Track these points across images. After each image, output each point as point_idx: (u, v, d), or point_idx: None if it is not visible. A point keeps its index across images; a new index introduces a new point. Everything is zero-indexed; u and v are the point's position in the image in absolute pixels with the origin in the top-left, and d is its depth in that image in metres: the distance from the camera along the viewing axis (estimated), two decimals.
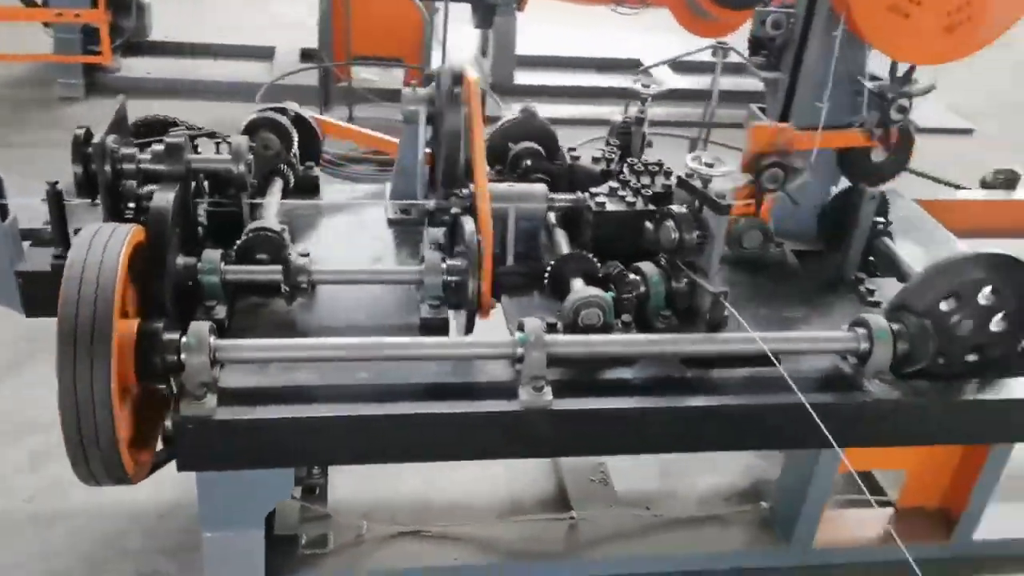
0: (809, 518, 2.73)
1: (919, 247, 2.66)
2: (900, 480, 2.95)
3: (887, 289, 2.49)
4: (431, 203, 2.48)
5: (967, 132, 6.14)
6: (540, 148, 2.77)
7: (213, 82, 5.70)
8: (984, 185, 3.31)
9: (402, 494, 2.90)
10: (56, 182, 2.26)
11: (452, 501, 2.90)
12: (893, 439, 2.27)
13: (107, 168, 2.14)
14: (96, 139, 2.12)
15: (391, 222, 2.69)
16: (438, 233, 2.44)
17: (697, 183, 2.19)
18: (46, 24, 5.52)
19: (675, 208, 2.19)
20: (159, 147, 2.19)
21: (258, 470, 2.09)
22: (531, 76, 6.24)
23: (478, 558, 2.66)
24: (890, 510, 2.96)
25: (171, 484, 2.84)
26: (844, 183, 2.73)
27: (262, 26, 7.04)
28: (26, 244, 2.41)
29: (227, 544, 2.29)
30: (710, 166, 2.17)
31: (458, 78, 2.44)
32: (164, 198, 2.05)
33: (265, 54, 6.16)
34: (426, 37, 5.68)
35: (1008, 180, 3.25)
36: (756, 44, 2.71)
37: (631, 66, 6.47)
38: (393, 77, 6.01)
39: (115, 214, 2.19)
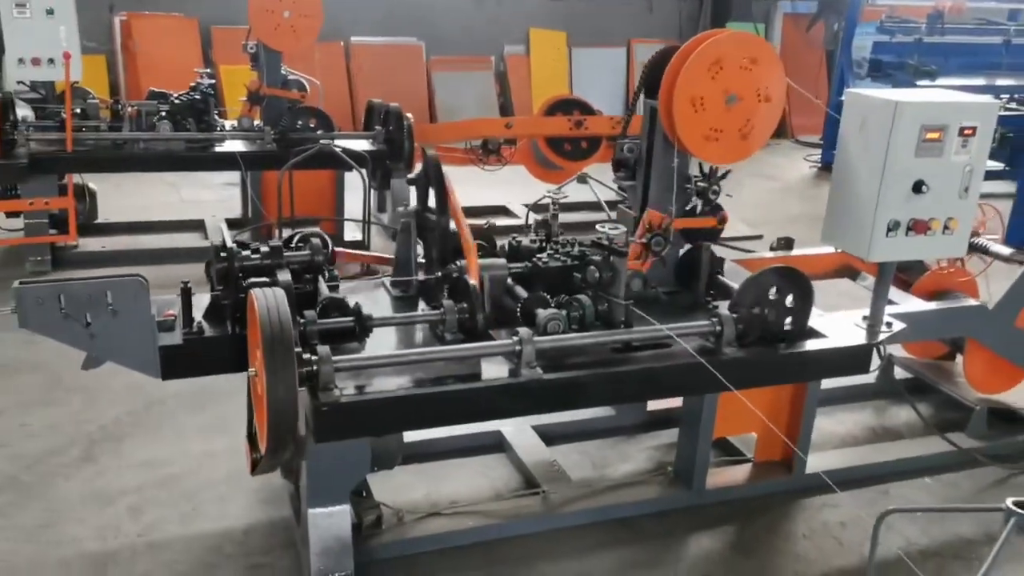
0: (701, 468, 4.02)
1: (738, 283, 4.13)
2: (752, 443, 4.35)
3: (724, 308, 3.91)
4: (433, 277, 3.75)
5: (758, 237, 7.98)
6: (484, 242, 4.12)
7: (159, 249, 6.76)
8: (772, 249, 4.92)
9: (418, 496, 3.98)
10: (187, 282, 3.39)
11: (455, 496, 4.01)
12: (745, 383, 3.59)
13: (236, 265, 3.32)
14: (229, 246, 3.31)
15: (395, 299, 3.92)
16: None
17: (605, 241, 3.57)
18: (7, 214, 6.49)
19: (595, 258, 3.56)
20: (265, 248, 3.39)
21: (347, 446, 3.18)
22: None
23: (487, 522, 3.77)
24: (750, 464, 4.33)
25: (238, 513, 3.85)
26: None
27: (178, 206, 8.23)
28: None
29: (326, 517, 3.31)
30: (613, 230, 3.56)
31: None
32: (286, 276, 3.24)
33: (196, 226, 7.30)
34: (338, 199, 7.04)
35: (787, 244, 4.87)
36: (618, 164, 4.20)
37: (499, 211, 8.03)
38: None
39: (237, 293, 3.34)
